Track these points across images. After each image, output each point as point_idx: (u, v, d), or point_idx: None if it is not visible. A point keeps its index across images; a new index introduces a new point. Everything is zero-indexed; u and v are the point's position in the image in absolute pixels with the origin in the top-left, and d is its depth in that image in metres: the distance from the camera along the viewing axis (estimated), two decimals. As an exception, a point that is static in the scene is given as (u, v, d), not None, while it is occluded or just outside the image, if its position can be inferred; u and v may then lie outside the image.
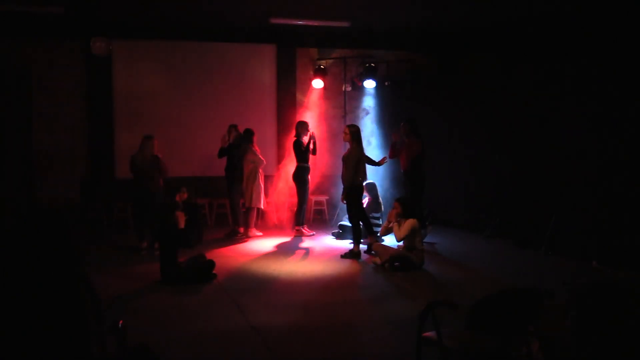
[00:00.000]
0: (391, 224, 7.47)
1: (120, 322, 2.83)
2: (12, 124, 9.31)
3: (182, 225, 6.95)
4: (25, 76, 10.24)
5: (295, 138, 9.66)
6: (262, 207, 9.74)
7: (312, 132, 9.73)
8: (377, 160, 8.96)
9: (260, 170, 9.53)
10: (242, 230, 9.50)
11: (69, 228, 2.44)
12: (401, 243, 7.51)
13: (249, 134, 9.55)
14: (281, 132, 11.58)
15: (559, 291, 3.64)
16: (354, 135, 8.26)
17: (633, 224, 7.19)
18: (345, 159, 8.28)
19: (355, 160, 8.14)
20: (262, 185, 9.59)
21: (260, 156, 9.50)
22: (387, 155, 9.49)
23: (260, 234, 9.68)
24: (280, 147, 11.56)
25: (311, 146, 9.60)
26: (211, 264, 6.99)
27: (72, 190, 10.62)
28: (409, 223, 7.32)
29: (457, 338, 3.45)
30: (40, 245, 2.35)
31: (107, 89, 10.81)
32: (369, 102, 12.12)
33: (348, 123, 10.18)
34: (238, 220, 9.51)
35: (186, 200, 8.94)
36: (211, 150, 10.36)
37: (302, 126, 9.65)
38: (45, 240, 2.36)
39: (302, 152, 9.54)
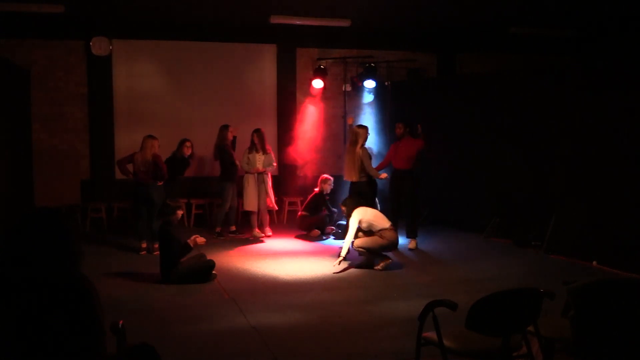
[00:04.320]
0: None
1: (121, 322, 2.83)
2: (12, 124, 9.29)
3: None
4: (25, 76, 10.24)
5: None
6: (254, 210, 9.46)
7: None
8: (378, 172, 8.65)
9: (254, 174, 9.42)
10: (233, 228, 9.65)
11: (70, 228, 2.44)
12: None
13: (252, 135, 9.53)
14: (281, 132, 11.58)
15: (559, 291, 3.63)
16: (353, 135, 8.36)
17: (633, 224, 7.19)
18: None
19: (352, 160, 8.24)
20: (255, 189, 9.43)
21: (253, 161, 9.38)
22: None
23: (262, 235, 9.65)
24: (280, 147, 11.55)
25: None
26: (211, 264, 7.00)
27: (72, 190, 10.63)
28: (351, 217, 7.40)
29: (457, 338, 3.45)
30: (40, 245, 2.35)
31: (107, 89, 10.81)
32: (368, 102, 12.12)
33: (347, 123, 10.20)
34: (233, 219, 9.66)
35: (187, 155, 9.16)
36: (210, 151, 10.36)
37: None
38: (45, 241, 2.36)
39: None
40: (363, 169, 8.31)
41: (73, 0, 8.83)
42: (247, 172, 9.39)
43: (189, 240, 6.86)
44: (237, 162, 9.52)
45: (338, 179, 11.38)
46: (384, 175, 8.63)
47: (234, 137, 9.73)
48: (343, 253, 7.37)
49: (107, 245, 8.87)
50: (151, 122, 10.68)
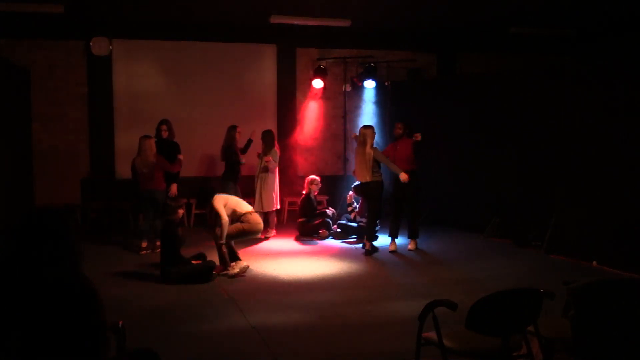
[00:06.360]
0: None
1: (120, 322, 2.83)
2: (12, 124, 9.29)
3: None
4: (25, 76, 10.24)
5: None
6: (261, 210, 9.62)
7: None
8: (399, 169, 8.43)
9: (260, 176, 9.51)
10: None
11: (70, 228, 2.44)
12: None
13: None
14: (281, 132, 11.58)
15: (559, 291, 3.63)
16: (361, 136, 8.37)
17: (633, 224, 7.19)
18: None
19: (363, 161, 8.26)
20: (259, 190, 9.51)
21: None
22: None
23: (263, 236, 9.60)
24: (280, 147, 11.52)
25: None
26: (211, 264, 7.01)
27: (72, 190, 10.62)
28: (215, 203, 7.17)
29: (457, 338, 3.45)
30: (41, 246, 2.35)
31: (107, 89, 10.80)
32: (369, 102, 12.12)
33: (347, 123, 10.17)
34: None
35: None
36: (211, 151, 10.37)
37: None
38: (46, 241, 2.36)
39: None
40: (376, 169, 8.26)
41: (73, 0, 8.83)
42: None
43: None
44: (242, 163, 9.59)
45: (337, 178, 11.40)
46: (404, 175, 8.20)
47: (249, 141, 9.76)
48: (223, 240, 7.13)
49: (107, 245, 8.87)
50: (151, 122, 10.62)
